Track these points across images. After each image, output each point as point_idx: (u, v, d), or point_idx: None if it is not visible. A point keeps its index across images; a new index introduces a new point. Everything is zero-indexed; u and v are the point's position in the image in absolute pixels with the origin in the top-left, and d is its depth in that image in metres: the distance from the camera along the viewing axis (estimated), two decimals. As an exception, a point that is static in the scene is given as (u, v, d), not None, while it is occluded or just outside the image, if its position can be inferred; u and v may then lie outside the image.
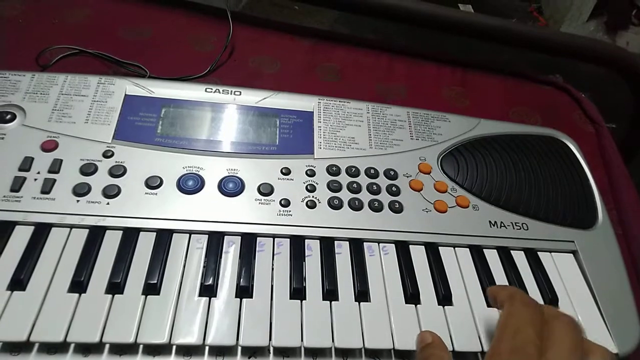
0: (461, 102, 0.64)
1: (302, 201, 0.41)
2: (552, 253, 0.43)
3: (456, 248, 0.42)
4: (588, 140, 0.63)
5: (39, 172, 0.38)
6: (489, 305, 0.38)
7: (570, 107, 0.69)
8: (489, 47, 0.70)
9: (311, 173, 0.43)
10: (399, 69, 0.67)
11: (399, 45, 0.71)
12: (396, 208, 0.42)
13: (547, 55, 0.71)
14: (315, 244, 0.39)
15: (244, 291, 0.35)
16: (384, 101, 0.52)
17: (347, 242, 0.40)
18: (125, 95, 0.45)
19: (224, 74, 0.59)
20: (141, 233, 0.37)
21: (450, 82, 0.67)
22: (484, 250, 0.42)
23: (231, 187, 0.41)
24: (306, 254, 0.39)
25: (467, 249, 0.42)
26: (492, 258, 0.42)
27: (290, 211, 0.40)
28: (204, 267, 0.36)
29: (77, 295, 0.33)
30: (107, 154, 0.41)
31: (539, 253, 0.43)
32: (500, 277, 0.40)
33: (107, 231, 0.37)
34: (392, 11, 0.66)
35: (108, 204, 0.38)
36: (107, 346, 0.32)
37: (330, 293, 0.36)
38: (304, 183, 0.42)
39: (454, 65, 0.69)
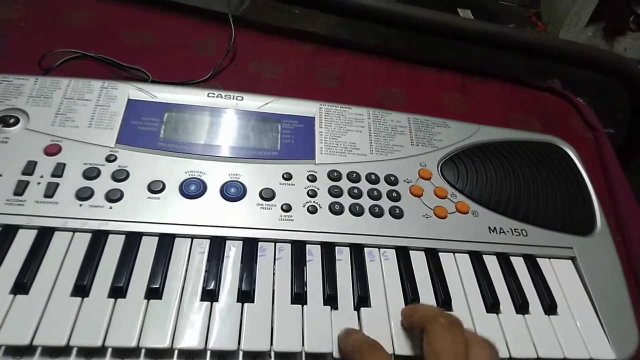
0: (460, 108, 0.65)
1: (304, 206, 0.41)
2: (551, 259, 0.44)
3: (456, 254, 0.42)
4: (586, 146, 0.63)
5: (42, 176, 0.39)
6: (488, 311, 0.39)
7: (569, 113, 0.69)
8: (486, 52, 0.71)
9: (312, 178, 0.43)
10: (399, 74, 0.67)
11: (400, 50, 0.71)
12: (396, 214, 0.42)
13: (546, 61, 0.72)
14: (316, 249, 0.40)
15: (245, 296, 0.36)
16: (384, 106, 0.53)
17: (348, 248, 0.40)
18: (128, 99, 0.45)
19: (225, 78, 0.59)
20: (144, 237, 0.37)
21: (449, 87, 0.67)
22: (483, 256, 0.42)
23: (233, 192, 0.41)
24: (307, 259, 0.39)
25: (467, 254, 0.42)
26: (492, 264, 0.42)
27: (291, 216, 0.41)
28: (205, 271, 0.37)
29: (79, 299, 0.33)
30: (110, 158, 0.41)
31: (537, 259, 0.43)
32: (499, 283, 0.41)
33: (110, 235, 0.37)
34: (391, 17, 0.67)
35: (111, 208, 0.38)
36: (109, 350, 0.32)
37: (331, 298, 0.37)
38: (305, 188, 0.43)
39: (453, 71, 0.70)
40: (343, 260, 0.39)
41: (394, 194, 0.44)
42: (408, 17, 0.67)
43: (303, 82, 0.62)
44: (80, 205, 0.38)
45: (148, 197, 0.39)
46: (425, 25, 0.68)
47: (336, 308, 0.36)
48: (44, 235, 0.36)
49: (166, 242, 0.37)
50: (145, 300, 0.34)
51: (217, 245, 0.38)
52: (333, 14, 0.70)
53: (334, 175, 0.44)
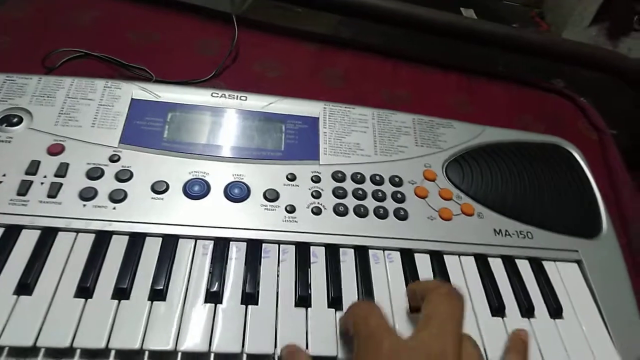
0: (465, 109, 0.65)
1: (308, 207, 0.41)
2: (557, 262, 0.43)
3: (461, 256, 0.42)
4: (592, 148, 0.63)
5: (45, 176, 0.38)
6: (493, 315, 0.39)
7: (575, 114, 0.69)
8: (490, 52, 0.71)
9: (316, 179, 0.43)
10: (404, 74, 0.67)
11: (404, 50, 0.71)
12: (401, 215, 0.42)
13: (551, 62, 0.71)
14: (321, 251, 0.39)
15: (249, 298, 0.35)
16: (390, 107, 0.52)
17: (352, 250, 0.40)
18: (132, 99, 0.45)
19: (228, 78, 0.59)
20: (147, 238, 0.37)
21: (454, 88, 0.67)
22: (488, 258, 0.42)
23: (237, 192, 0.41)
24: (311, 261, 0.39)
25: (472, 257, 0.42)
26: (497, 267, 0.42)
27: (295, 217, 0.40)
28: (209, 273, 0.36)
29: (83, 300, 0.33)
30: (114, 159, 0.41)
31: (543, 262, 0.43)
32: (504, 285, 0.40)
33: (114, 236, 0.37)
34: (394, 16, 0.66)
35: (114, 208, 0.38)
36: (112, 352, 0.32)
37: (335, 301, 0.36)
38: (310, 189, 0.42)
39: (459, 71, 0.69)
40: (347, 262, 0.39)
41: (399, 195, 0.43)
42: (412, 17, 0.67)
43: (307, 82, 0.62)
44: (84, 205, 0.38)
45: (152, 198, 0.39)
46: (429, 25, 0.67)
47: (341, 310, 0.36)
48: (48, 236, 0.36)
49: (170, 243, 0.37)
50: (149, 302, 0.34)
51: (221, 246, 0.38)
52: (336, 13, 0.70)
53: (338, 176, 0.44)
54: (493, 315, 0.38)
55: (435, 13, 0.67)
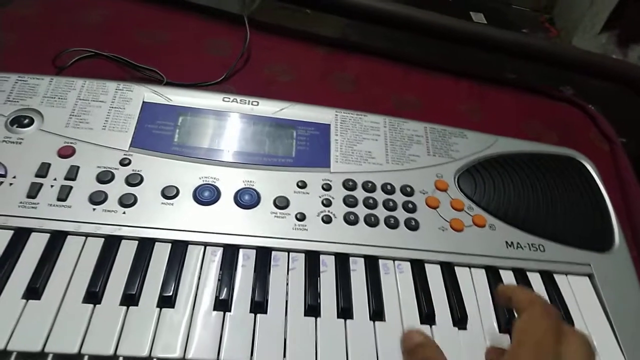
0: (475, 116, 0.64)
1: (318, 216, 0.41)
2: (568, 276, 0.43)
3: (472, 268, 0.41)
4: (603, 159, 0.62)
5: (55, 179, 0.38)
6: (501, 330, 0.38)
7: (585, 123, 0.68)
8: (497, 57, 0.70)
9: (327, 187, 0.43)
10: (414, 80, 0.66)
11: (415, 55, 0.70)
12: (412, 225, 0.42)
13: (560, 69, 0.71)
14: (331, 260, 0.39)
15: (258, 306, 0.35)
16: (399, 112, 0.52)
17: (362, 259, 0.40)
18: (143, 102, 0.44)
19: (239, 81, 0.59)
20: (156, 244, 0.37)
21: (464, 94, 0.67)
22: (499, 271, 0.42)
23: (247, 199, 0.40)
24: (321, 270, 0.38)
25: (483, 269, 0.41)
26: (508, 279, 0.41)
27: (305, 226, 0.40)
28: (218, 280, 0.36)
29: (91, 306, 0.33)
30: (124, 162, 0.40)
31: (554, 275, 0.43)
32: (515, 299, 0.40)
33: (123, 241, 0.37)
34: (399, 20, 0.66)
35: (124, 213, 0.38)
36: (120, 359, 0.32)
37: (345, 311, 0.36)
38: (320, 197, 0.42)
39: (468, 77, 0.69)
40: (357, 272, 0.39)
41: (410, 205, 0.43)
42: (417, 21, 0.66)
43: (317, 86, 0.62)
44: (94, 209, 0.37)
45: (162, 203, 0.39)
46: (434, 30, 0.67)
47: (351, 319, 0.36)
48: (57, 240, 0.36)
49: (179, 249, 0.37)
50: (158, 309, 0.34)
51: (230, 253, 0.38)
52: (342, 16, 0.70)
53: (349, 185, 0.43)
54: (501, 331, 0.38)
55: (441, 18, 0.66)
